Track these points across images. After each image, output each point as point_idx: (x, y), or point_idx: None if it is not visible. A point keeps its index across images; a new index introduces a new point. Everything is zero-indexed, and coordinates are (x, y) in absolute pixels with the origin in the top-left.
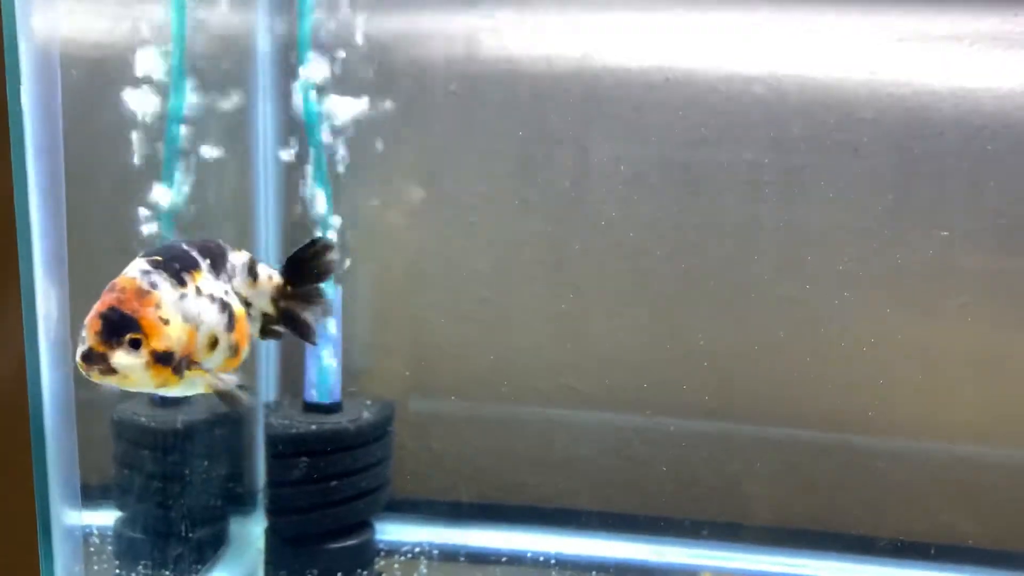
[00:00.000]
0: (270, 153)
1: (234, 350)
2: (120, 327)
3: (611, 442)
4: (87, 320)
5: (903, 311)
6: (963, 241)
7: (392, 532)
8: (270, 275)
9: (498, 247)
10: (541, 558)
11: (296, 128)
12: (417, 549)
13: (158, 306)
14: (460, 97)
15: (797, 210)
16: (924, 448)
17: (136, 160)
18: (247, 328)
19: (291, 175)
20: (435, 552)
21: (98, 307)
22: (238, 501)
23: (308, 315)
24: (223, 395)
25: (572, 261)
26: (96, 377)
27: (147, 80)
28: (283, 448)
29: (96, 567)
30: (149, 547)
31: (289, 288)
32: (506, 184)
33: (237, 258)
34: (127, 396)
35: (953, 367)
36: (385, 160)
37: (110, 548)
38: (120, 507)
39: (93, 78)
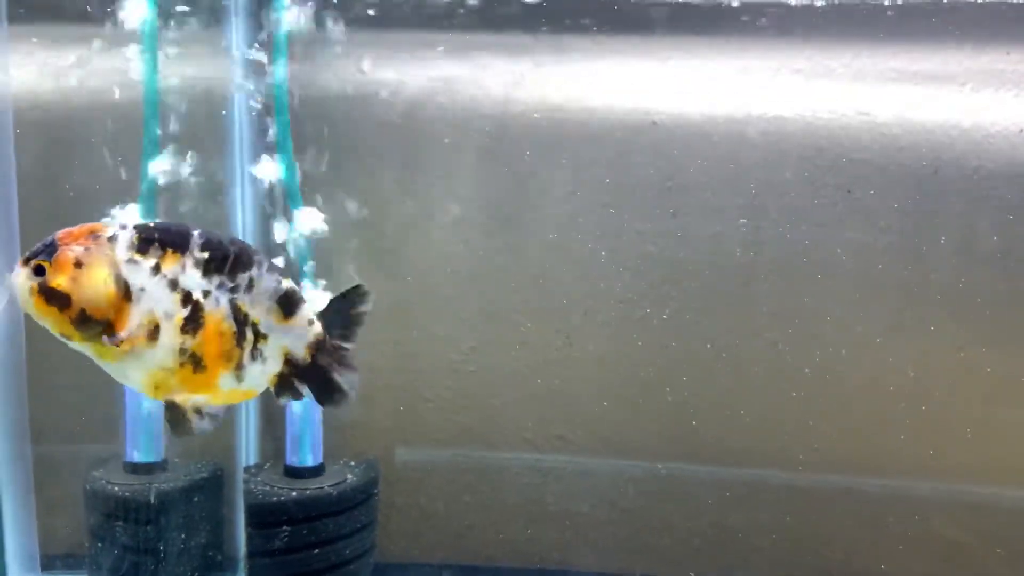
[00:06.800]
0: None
1: (196, 361)
2: (41, 250)
3: (605, 494)
4: None
5: (900, 353)
6: (960, 282)
7: None
8: (311, 319)
9: (485, 295)
10: None
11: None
12: None
13: (88, 251)
14: (445, 143)
15: (791, 254)
16: (925, 491)
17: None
18: (222, 344)
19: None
20: None
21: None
22: (218, 569)
23: (341, 378)
24: (171, 408)
25: (561, 309)
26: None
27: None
28: (263, 517)
29: None
30: None
31: (327, 342)
32: (491, 231)
33: (268, 280)
34: (99, 462)
35: (952, 408)
36: (365, 208)
37: None
38: None
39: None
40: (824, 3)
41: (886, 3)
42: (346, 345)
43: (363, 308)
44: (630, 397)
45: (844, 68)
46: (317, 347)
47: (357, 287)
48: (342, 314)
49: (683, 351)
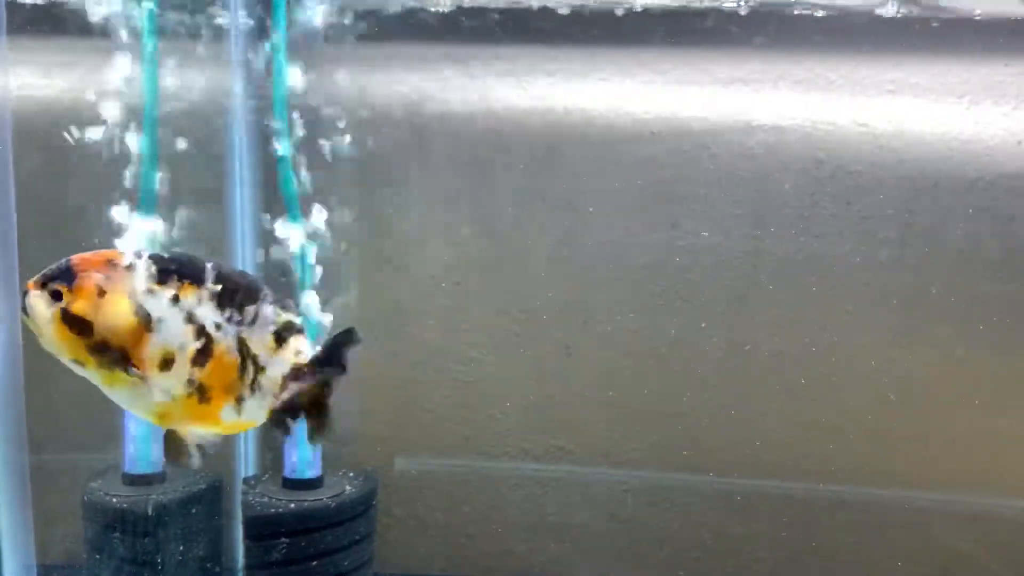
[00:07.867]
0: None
1: (202, 392)
2: (57, 275)
3: (604, 505)
4: None
5: (900, 364)
6: (960, 293)
7: None
8: (299, 350)
9: (484, 306)
10: None
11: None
12: None
13: (109, 279)
14: (443, 154)
15: (791, 265)
16: (926, 501)
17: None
18: (227, 376)
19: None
20: None
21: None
22: None
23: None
24: (170, 440)
25: (560, 319)
26: (25, 317)
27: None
28: (261, 529)
29: None
30: None
31: (306, 373)
32: (490, 241)
33: (268, 311)
34: (98, 473)
35: (953, 418)
36: (366, 221)
37: None
38: None
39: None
40: (823, 14)
41: (885, 15)
42: (328, 385)
43: (348, 353)
44: (630, 407)
45: (843, 80)
46: (293, 376)
47: (348, 329)
48: (333, 356)
49: (682, 361)
